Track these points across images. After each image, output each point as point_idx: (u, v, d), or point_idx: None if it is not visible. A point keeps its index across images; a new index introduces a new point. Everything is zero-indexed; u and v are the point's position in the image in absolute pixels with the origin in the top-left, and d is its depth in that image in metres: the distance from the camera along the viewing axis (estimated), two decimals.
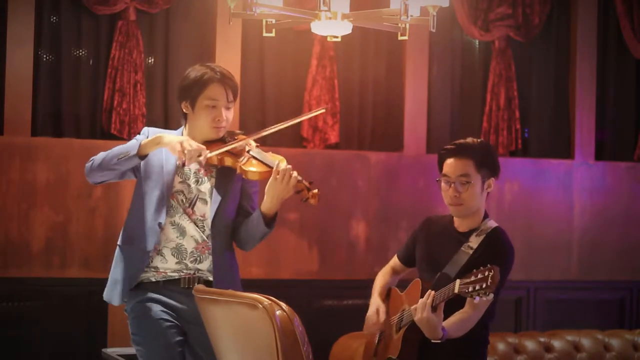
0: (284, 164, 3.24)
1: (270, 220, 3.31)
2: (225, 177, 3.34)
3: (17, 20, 5.11)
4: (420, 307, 3.15)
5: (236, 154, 3.31)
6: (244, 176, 3.30)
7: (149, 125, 5.28)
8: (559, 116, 6.24)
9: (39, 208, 5.03)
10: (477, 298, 3.05)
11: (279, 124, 3.47)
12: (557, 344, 5.24)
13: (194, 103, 3.33)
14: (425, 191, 5.67)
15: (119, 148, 3.30)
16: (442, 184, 3.42)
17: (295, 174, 3.21)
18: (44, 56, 5.31)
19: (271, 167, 3.25)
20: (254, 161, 3.30)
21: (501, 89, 6.03)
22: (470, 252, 3.35)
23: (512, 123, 6.05)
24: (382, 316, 3.52)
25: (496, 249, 3.35)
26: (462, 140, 3.44)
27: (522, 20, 6.06)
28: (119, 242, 3.43)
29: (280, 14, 3.71)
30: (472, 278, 3.05)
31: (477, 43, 6.21)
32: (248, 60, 5.60)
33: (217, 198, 3.32)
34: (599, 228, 6.08)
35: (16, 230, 5.00)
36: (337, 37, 3.87)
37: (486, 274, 3.02)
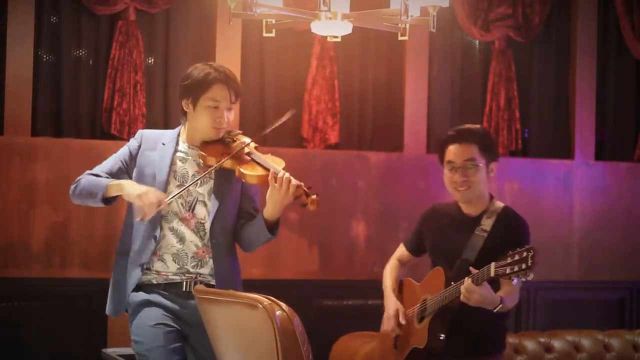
0: (281, 170, 3.21)
1: (272, 226, 3.29)
2: (224, 178, 3.32)
3: (17, 20, 5.11)
4: (466, 295, 3.16)
5: (235, 157, 3.28)
6: (242, 179, 3.28)
7: (149, 125, 5.33)
8: (559, 116, 6.24)
9: (39, 208, 5.03)
10: (516, 280, 3.09)
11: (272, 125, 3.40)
12: (557, 344, 5.23)
13: (195, 102, 3.30)
14: (425, 191, 5.67)
15: (93, 183, 3.29)
16: (446, 171, 3.45)
17: (293, 180, 3.18)
18: (44, 56, 5.31)
19: (270, 171, 3.23)
20: (252, 165, 3.27)
21: (501, 89, 6.03)
22: (485, 234, 3.38)
23: (512, 123, 6.05)
24: (402, 318, 3.51)
25: (511, 227, 3.40)
26: (463, 127, 3.51)
27: (522, 20, 6.06)
28: (116, 250, 3.43)
29: (280, 14, 3.72)
30: (509, 260, 3.06)
31: (477, 43, 6.21)
32: (248, 60, 5.60)
33: (217, 201, 3.31)
34: (599, 228, 6.07)
35: (16, 230, 5.00)
36: (337, 37, 3.88)
37: (524, 254, 3.03)
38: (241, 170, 3.24)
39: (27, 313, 5.06)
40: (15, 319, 5.04)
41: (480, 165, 3.40)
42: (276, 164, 3.28)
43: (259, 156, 3.31)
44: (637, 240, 6.13)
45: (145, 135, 3.41)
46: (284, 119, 3.35)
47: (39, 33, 5.23)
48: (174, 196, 3.23)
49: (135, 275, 3.30)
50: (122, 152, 3.41)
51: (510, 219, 3.43)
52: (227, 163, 3.26)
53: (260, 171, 3.25)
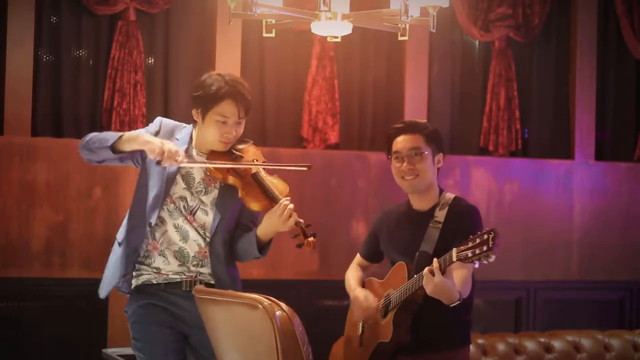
0: (286, 200, 3.20)
1: (263, 246, 3.30)
2: (229, 191, 3.30)
3: (17, 20, 5.11)
4: (428, 277, 3.15)
5: (241, 174, 3.27)
6: (245, 203, 3.27)
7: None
8: (559, 116, 6.24)
9: (39, 208, 5.03)
10: (477, 263, 3.07)
11: (281, 166, 3.43)
12: (557, 344, 5.24)
13: (204, 115, 3.27)
14: None
15: (106, 135, 3.25)
16: (393, 162, 3.48)
17: (294, 215, 3.19)
18: (44, 56, 5.31)
19: (273, 201, 3.22)
20: (256, 190, 3.26)
21: (501, 89, 6.03)
22: (440, 226, 3.40)
23: (512, 123, 6.05)
24: (373, 301, 3.51)
25: (462, 215, 3.41)
26: (409, 120, 3.57)
27: (522, 21, 6.06)
28: (117, 235, 3.41)
29: (280, 14, 3.71)
30: (470, 244, 3.07)
31: (477, 43, 6.21)
32: (248, 60, 5.60)
33: (219, 212, 3.30)
34: (599, 228, 6.07)
35: (16, 230, 5.00)
36: (337, 37, 3.87)
37: (485, 237, 3.03)
38: (245, 194, 3.24)
39: (27, 313, 5.06)
40: (15, 319, 5.04)
41: (426, 153, 3.43)
42: (281, 189, 3.28)
43: (264, 180, 3.29)
44: (636, 240, 6.13)
45: (164, 122, 3.39)
46: (277, 165, 3.38)
47: (39, 33, 5.23)
48: (190, 165, 3.24)
49: (129, 260, 3.29)
50: (115, 134, 3.33)
51: (461, 207, 3.44)
52: (232, 180, 3.26)
53: (262, 199, 3.24)
